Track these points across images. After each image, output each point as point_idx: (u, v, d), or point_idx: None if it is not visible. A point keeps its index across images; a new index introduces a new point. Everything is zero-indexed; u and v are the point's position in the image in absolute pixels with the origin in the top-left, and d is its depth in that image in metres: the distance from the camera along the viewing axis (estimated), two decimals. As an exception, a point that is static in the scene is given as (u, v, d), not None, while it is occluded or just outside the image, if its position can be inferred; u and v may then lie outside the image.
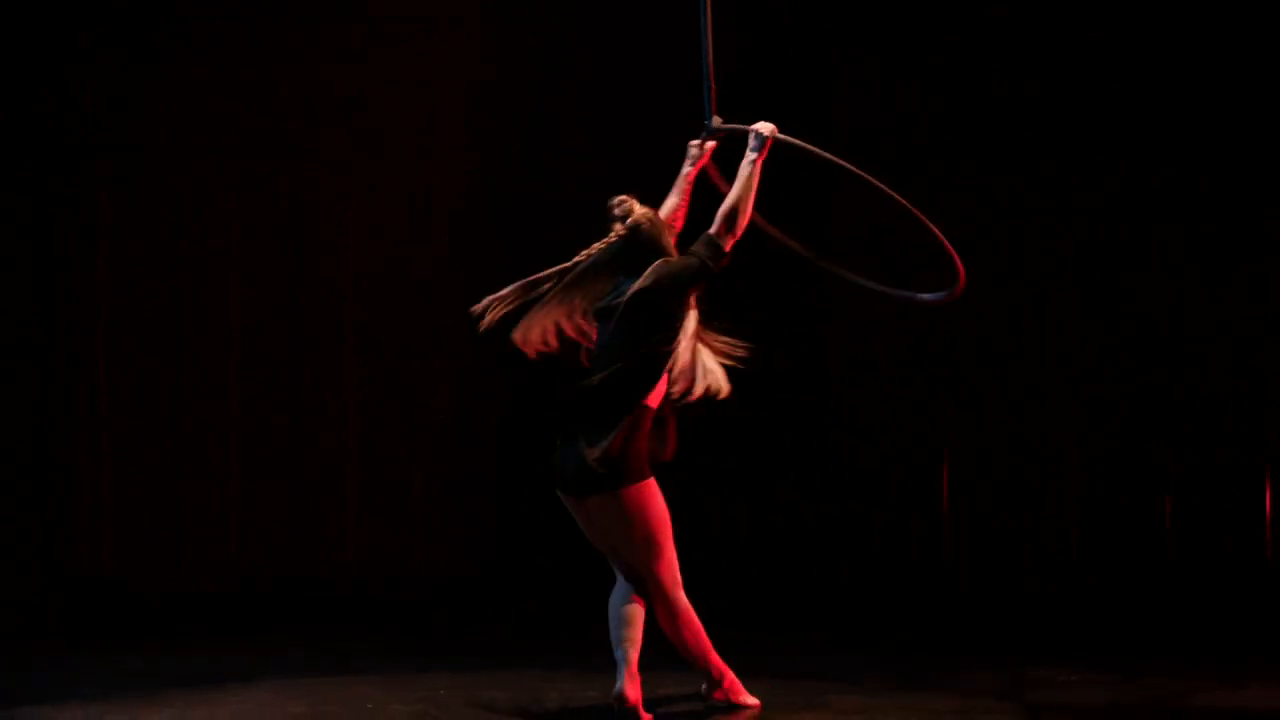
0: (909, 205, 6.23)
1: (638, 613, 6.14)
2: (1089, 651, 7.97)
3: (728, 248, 6.03)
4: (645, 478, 6.04)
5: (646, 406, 6.06)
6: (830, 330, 9.87)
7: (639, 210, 6.16)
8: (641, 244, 6.12)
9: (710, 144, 6.36)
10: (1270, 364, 9.74)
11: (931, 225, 6.23)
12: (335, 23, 9.82)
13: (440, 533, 9.82)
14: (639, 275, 6.04)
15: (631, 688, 6.10)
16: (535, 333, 6.15)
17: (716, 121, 6.31)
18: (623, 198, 6.20)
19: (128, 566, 9.75)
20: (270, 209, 9.85)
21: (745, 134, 6.22)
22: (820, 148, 6.25)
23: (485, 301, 6.18)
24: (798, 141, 6.20)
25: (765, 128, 6.15)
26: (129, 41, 9.77)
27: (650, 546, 6.07)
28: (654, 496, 6.06)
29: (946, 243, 6.23)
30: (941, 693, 6.76)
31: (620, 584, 6.20)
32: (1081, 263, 9.84)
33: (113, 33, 9.76)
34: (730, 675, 6.29)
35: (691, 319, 6.14)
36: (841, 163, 6.28)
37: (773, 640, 8.26)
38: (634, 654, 6.13)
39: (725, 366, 6.23)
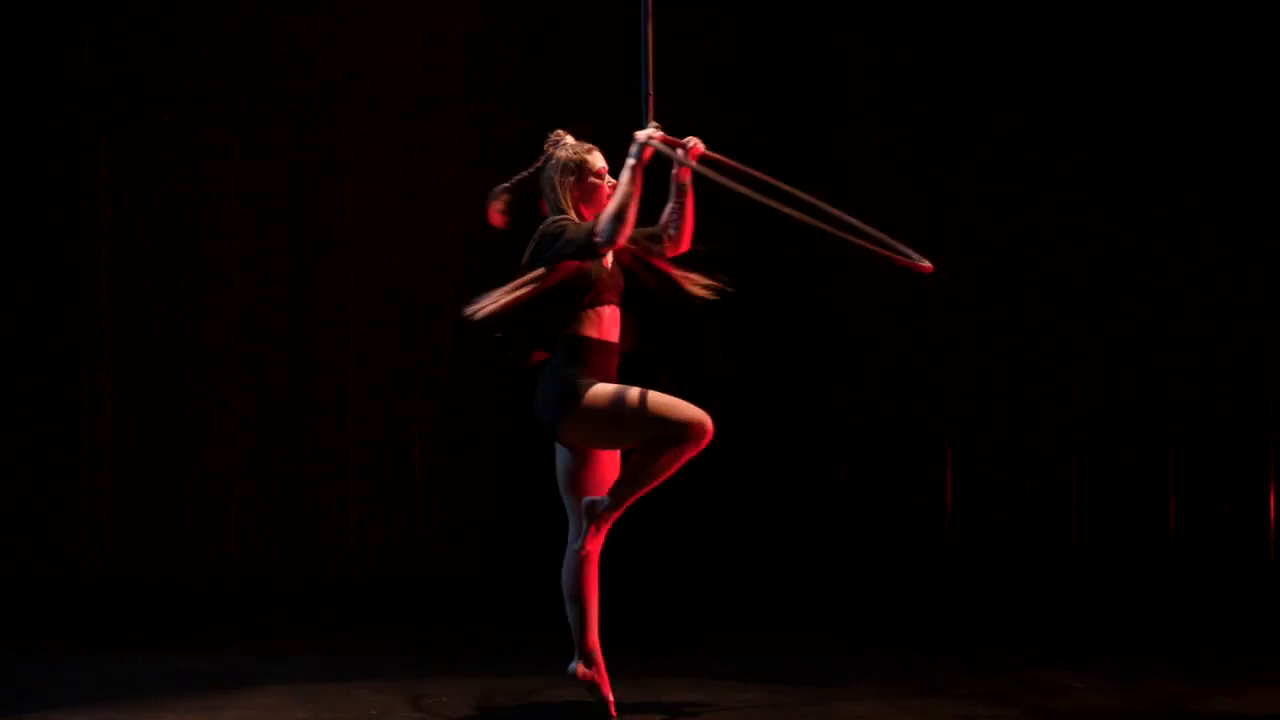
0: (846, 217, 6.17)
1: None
2: (1093, 653, 7.95)
3: (599, 249, 5.97)
4: (582, 396, 6.02)
5: (575, 337, 6.08)
6: (833, 320, 9.85)
7: (561, 148, 6.15)
8: (544, 179, 6.16)
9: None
10: (1276, 360, 9.75)
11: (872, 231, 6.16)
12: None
13: (441, 531, 9.80)
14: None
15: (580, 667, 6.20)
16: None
17: (653, 128, 6.10)
18: (560, 132, 6.21)
19: (126, 564, 9.72)
20: (269, 179, 9.81)
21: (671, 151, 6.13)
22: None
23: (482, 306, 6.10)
24: (707, 170, 6.08)
25: (642, 134, 6.02)
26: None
27: (634, 426, 6.02)
28: (601, 395, 6.01)
29: (893, 249, 6.13)
30: (945, 697, 6.75)
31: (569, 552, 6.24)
32: (1087, 255, 9.84)
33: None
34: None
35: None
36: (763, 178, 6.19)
37: (773, 639, 8.25)
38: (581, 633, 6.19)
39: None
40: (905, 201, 9.74)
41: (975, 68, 9.83)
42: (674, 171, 6.23)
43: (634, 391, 6.03)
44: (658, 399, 6.01)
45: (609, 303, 6.15)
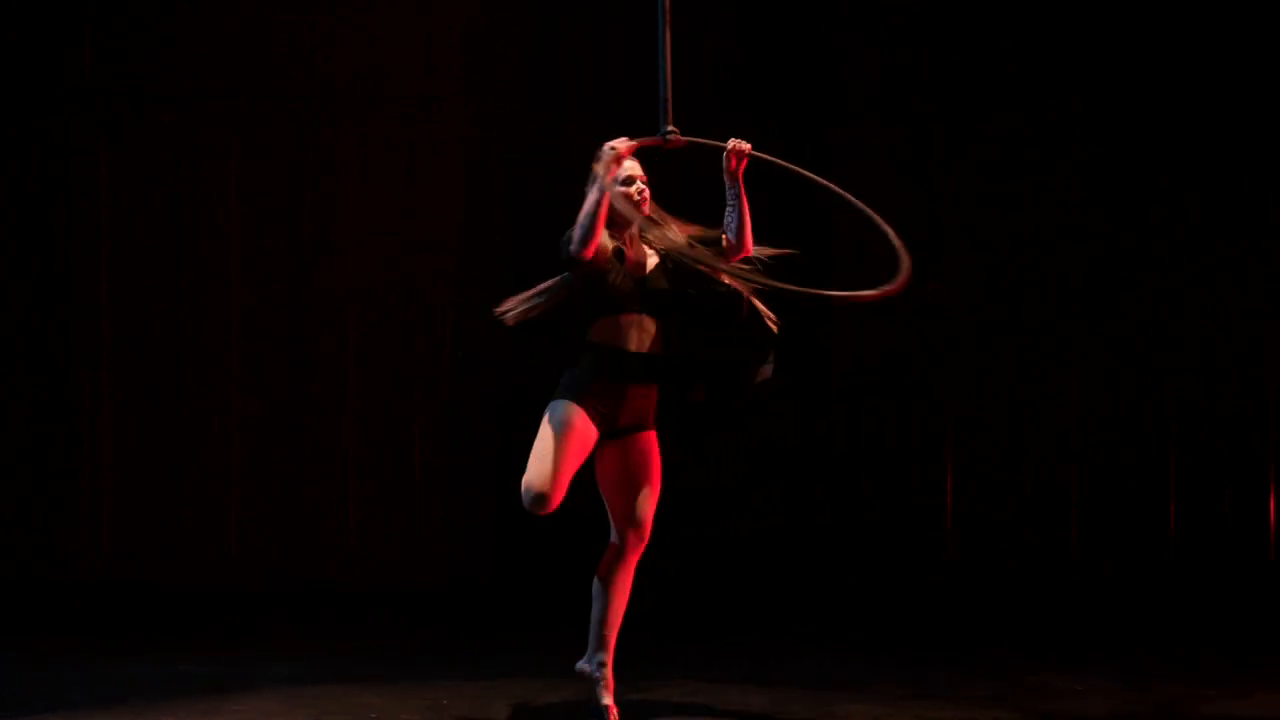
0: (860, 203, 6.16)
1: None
2: (1093, 655, 7.96)
3: (569, 256, 5.95)
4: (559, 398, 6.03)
5: (584, 342, 6.06)
6: (833, 326, 9.85)
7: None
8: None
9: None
10: (1276, 360, 9.75)
11: (881, 221, 6.15)
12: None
13: (441, 531, 9.80)
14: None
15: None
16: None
17: (673, 133, 6.04)
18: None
19: (126, 564, 9.72)
20: (269, 179, 9.80)
21: (713, 148, 6.07)
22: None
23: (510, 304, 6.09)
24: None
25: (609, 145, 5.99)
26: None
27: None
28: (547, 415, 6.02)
29: (897, 240, 6.11)
30: (944, 698, 6.75)
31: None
32: (1087, 255, 9.84)
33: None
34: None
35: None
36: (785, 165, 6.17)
37: (776, 645, 8.24)
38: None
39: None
40: (905, 201, 9.73)
41: (975, 68, 9.83)
42: (725, 168, 6.12)
43: (544, 429, 5.96)
44: (535, 445, 5.97)
45: (628, 310, 6.02)
